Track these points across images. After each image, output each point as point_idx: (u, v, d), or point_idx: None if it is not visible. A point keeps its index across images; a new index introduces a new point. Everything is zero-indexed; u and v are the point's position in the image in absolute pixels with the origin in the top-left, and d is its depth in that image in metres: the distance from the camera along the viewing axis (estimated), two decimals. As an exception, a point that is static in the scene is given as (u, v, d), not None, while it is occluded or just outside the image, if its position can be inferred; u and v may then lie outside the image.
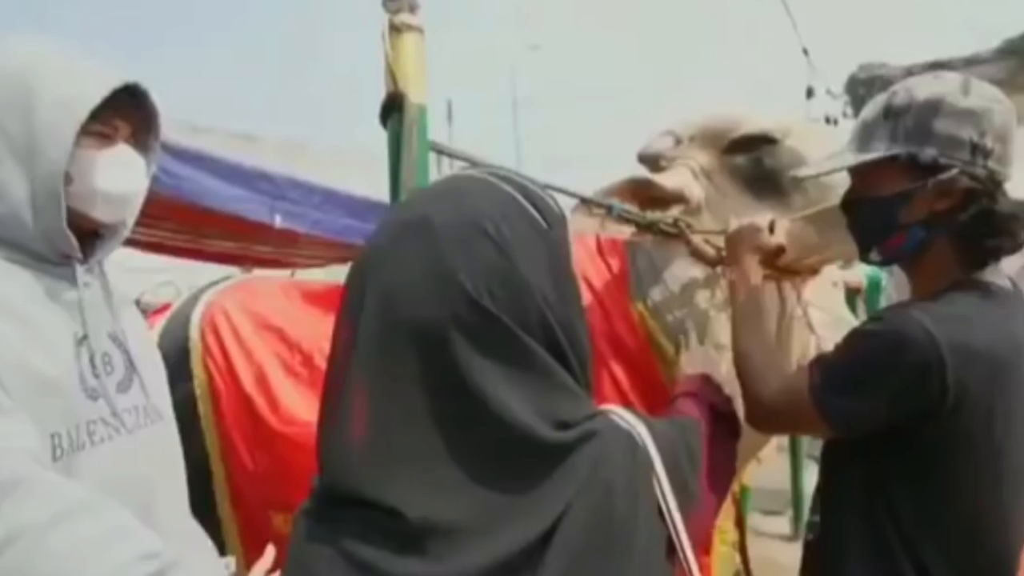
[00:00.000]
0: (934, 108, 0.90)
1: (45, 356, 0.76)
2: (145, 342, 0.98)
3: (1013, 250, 0.93)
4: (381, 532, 0.54)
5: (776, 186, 1.22)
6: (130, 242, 1.11)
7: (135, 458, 0.83)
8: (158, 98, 0.91)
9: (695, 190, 1.27)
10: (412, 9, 0.93)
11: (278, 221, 3.10)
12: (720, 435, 0.94)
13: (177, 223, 2.13)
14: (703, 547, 1.24)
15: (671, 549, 0.64)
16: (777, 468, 3.18)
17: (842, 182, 1.04)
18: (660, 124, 1.39)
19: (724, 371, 1.11)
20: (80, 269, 0.85)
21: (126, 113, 0.88)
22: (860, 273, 3.22)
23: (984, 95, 0.91)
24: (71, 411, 0.78)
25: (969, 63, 6.10)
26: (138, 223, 0.97)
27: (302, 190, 3.31)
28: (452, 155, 0.96)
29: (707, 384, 1.05)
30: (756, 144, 1.24)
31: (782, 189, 1.22)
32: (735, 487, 1.68)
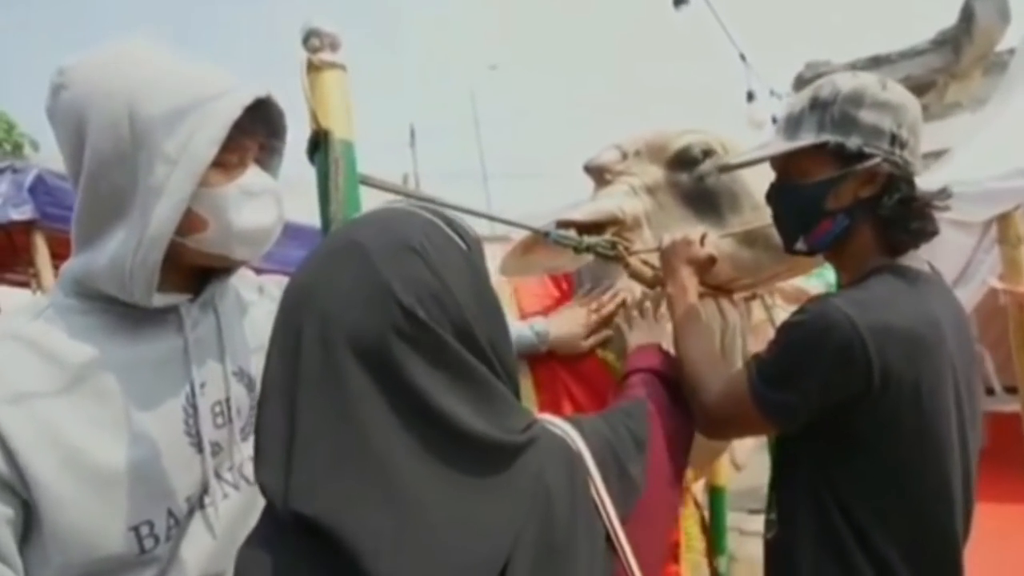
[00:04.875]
0: (858, 99, 0.95)
1: (122, 440, 0.67)
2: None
3: (931, 235, 0.98)
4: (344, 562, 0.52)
5: (714, 204, 1.27)
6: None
7: (255, 512, 0.78)
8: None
9: (628, 207, 1.30)
10: (333, 47, 0.94)
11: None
12: (671, 403, 0.96)
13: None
14: (671, 554, 1.24)
15: (610, 543, 0.65)
16: (759, 465, 3.20)
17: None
18: (615, 133, 1.43)
19: (660, 335, 1.15)
20: (188, 312, 0.75)
21: (251, 126, 0.75)
22: (822, 283, 3.28)
23: (899, 91, 0.97)
24: (172, 487, 0.70)
25: (906, 55, 6.32)
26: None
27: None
28: (382, 187, 0.97)
29: (654, 353, 1.08)
30: (698, 159, 1.28)
31: (720, 209, 1.27)
32: (702, 494, 1.69)
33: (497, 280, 1.09)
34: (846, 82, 0.97)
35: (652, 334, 1.16)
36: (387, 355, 0.56)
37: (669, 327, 1.17)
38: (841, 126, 0.95)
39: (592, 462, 0.67)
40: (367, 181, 0.95)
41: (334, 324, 0.57)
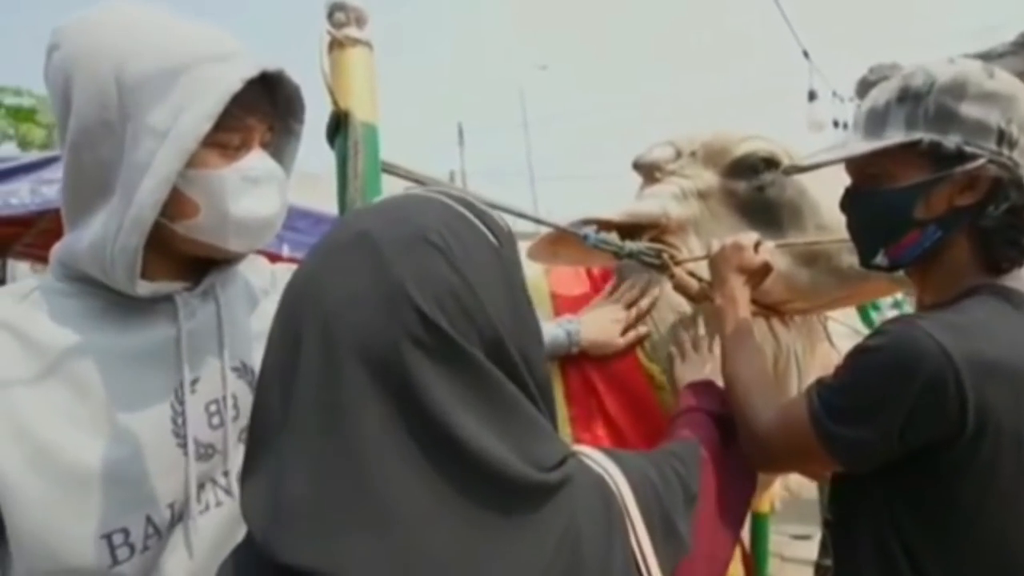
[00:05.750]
0: (959, 89, 0.81)
1: (100, 438, 0.62)
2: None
3: None
4: None
5: (773, 219, 1.15)
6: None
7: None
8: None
9: (675, 211, 1.19)
10: (359, 23, 0.87)
11: (286, 250, 3.12)
12: (728, 450, 0.84)
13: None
14: None
15: None
16: (804, 488, 3.02)
17: (841, 225, 0.94)
18: (666, 135, 1.33)
19: (716, 374, 1.02)
20: (183, 302, 0.69)
21: (258, 104, 0.68)
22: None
23: (1009, 80, 0.82)
24: (153, 492, 0.64)
25: (984, 58, 5.93)
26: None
27: (309, 220, 3.31)
28: (407, 177, 0.89)
29: (709, 393, 0.96)
30: (759, 169, 1.16)
31: (779, 223, 1.14)
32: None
33: (531, 272, 0.99)
34: (944, 70, 0.82)
35: (705, 370, 1.05)
36: (399, 367, 0.47)
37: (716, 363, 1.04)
38: (937, 121, 0.81)
39: (635, 507, 0.57)
40: (390, 169, 0.88)
41: (338, 328, 0.48)
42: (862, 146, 0.86)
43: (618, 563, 0.54)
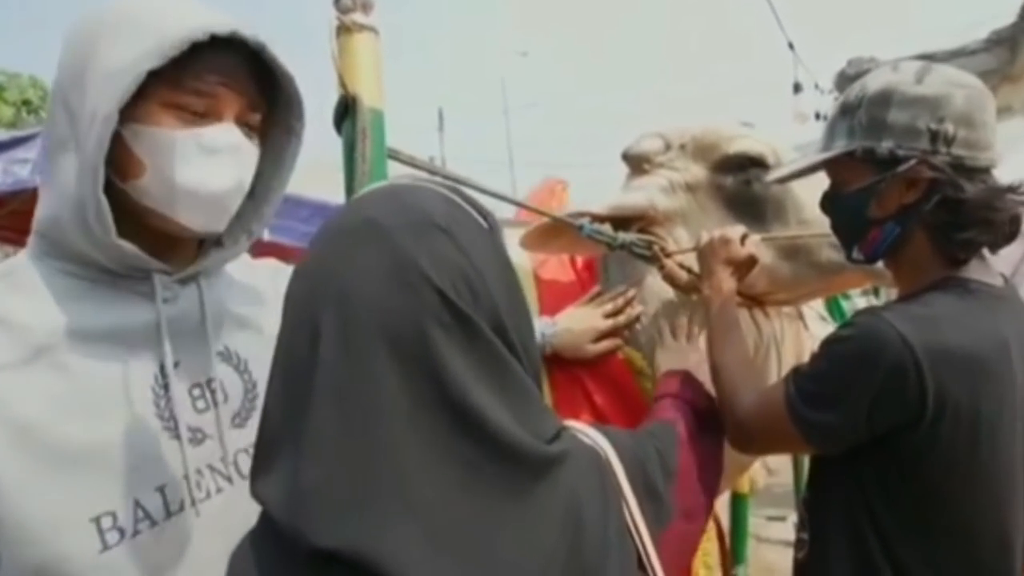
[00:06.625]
0: (886, 99, 0.87)
1: (82, 419, 0.59)
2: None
3: (991, 243, 0.88)
4: None
5: (758, 213, 1.19)
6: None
7: (250, 511, 0.67)
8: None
9: (662, 203, 1.23)
10: (365, 8, 0.88)
11: (266, 235, 3.12)
12: (701, 434, 0.89)
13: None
14: (684, 568, 1.18)
15: (641, 566, 0.60)
16: (779, 469, 3.11)
17: (825, 218, 1.01)
18: (649, 124, 1.35)
19: (695, 363, 1.07)
20: (163, 284, 0.66)
21: (235, 76, 0.64)
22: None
23: (944, 80, 0.87)
24: (139, 475, 0.62)
25: (957, 55, 6.06)
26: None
27: (288, 204, 3.29)
28: (411, 164, 0.91)
29: (685, 382, 1.00)
30: (747, 166, 1.20)
31: (763, 217, 1.19)
32: (719, 498, 1.62)
33: (514, 253, 1.01)
34: (875, 81, 0.90)
35: (684, 358, 1.09)
36: (421, 346, 0.48)
37: (702, 343, 1.09)
38: (870, 130, 0.88)
39: (624, 478, 0.61)
40: (395, 155, 0.89)
41: (358, 310, 0.49)
42: (815, 157, 0.95)
43: (613, 531, 0.57)
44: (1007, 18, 5.84)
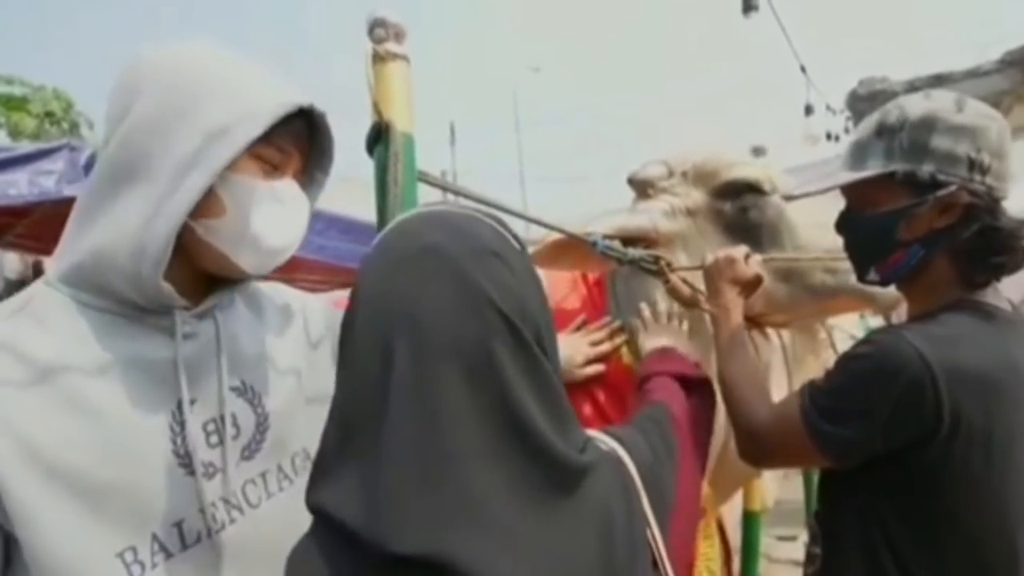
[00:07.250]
0: (929, 125, 0.89)
1: (101, 452, 0.61)
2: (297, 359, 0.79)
3: (1014, 268, 0.91)
4: None
5: (754, 238, 1.24)
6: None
7: (261, 538, 0.68)
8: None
9: (664, 226, 1.29)
10: (398, 37, 0.92)
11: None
12: (692, 404, 0.96)
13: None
14: (685, 564, 1.20)
15: (655, 566, 0.63)
16: (790, 489, 3.10)
17: (818, 243, 1.07)
18: (659, 142, 1.40)
19: (674, 337, 1.15)
20: (183, 322, 0.68)
21: (299, 138, 0.73)
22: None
23: (978, 112, 0.90)
24: (156, 509, 0.64)
25: (971, 75, 6.08)
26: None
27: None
28: (440, 186, 0.94)
29: (670, 355, 1.07)
30: (743, 191, 1.26)
31: (759, 241, 1.24)
32: (731, 516, 1.63)
33: None
34: (916, 106, 0.92)
35: (665, 336, 1.15)
36: (489, 368, 0.53)
37: (685, 327, 1.16)
38: (911, 153, 0.90)
39: (641, 484, 0.64)
40: (424, 178, 0.92)
41: (431, 333, 0.53)
42: (846, 176, 0.96)
43: (638, 535, 0.60)
44: (1017, 39, 5.87)
